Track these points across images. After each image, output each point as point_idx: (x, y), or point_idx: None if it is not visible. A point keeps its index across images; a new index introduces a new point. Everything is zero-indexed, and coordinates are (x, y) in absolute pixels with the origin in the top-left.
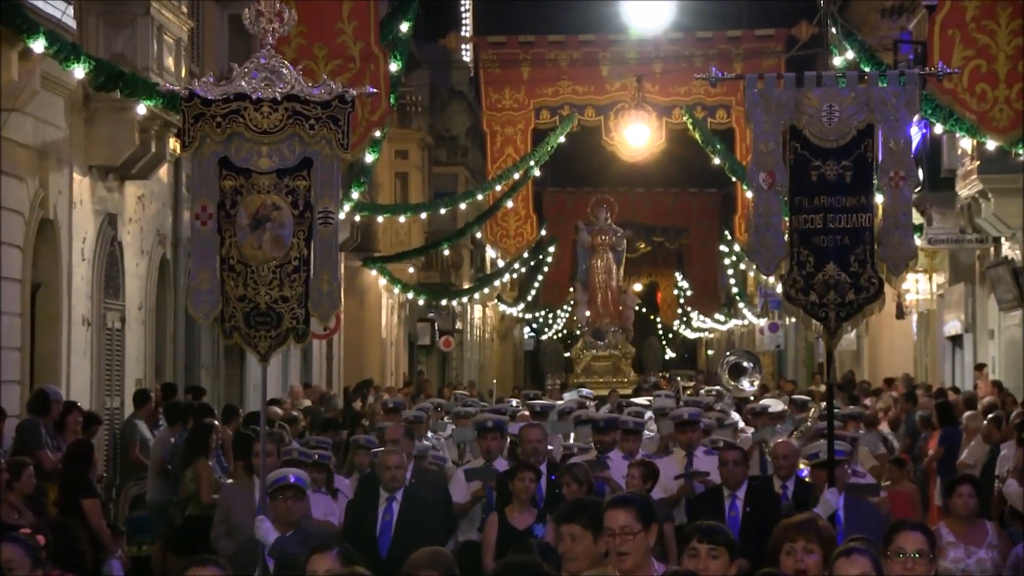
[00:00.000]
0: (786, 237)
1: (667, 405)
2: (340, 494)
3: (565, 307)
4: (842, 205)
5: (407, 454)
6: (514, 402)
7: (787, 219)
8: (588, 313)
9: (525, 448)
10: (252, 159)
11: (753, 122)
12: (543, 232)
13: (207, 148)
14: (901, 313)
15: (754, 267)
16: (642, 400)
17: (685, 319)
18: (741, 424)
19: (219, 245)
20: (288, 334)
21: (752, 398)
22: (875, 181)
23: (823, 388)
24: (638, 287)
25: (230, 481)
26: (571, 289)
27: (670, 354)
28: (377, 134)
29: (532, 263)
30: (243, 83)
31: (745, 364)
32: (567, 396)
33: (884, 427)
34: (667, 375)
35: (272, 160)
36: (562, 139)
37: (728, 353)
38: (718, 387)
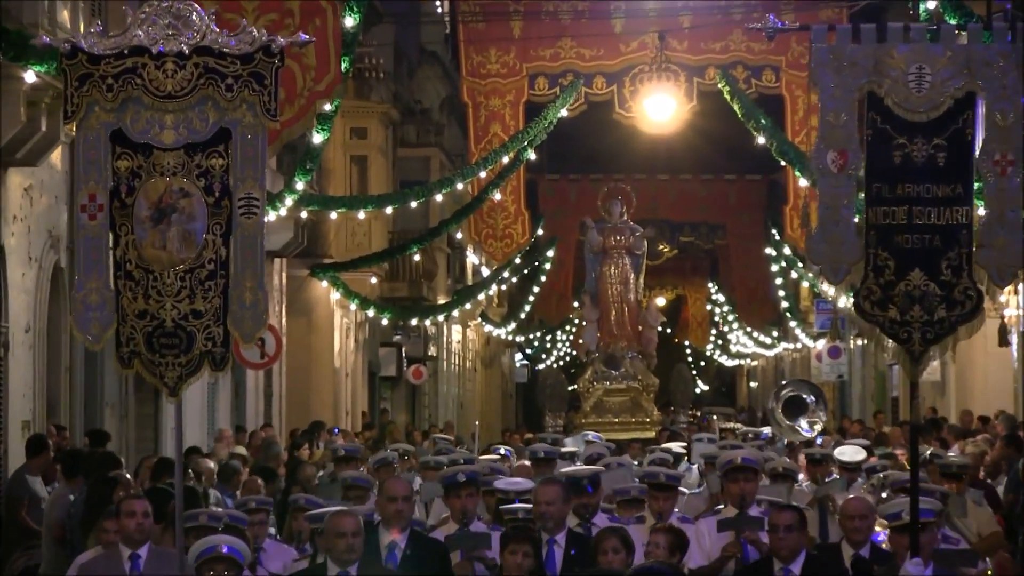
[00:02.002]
0: (859, 236)
1: (714, 452)
2: None
3: (568, 327)
4: (932, 195)
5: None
6: (503, 450)
7: (860, 212)
8: (599, 334)
9: (535, 510)
10: (153, 131)
11: (821, 87)
12: (539, 232)
13: (95, 119)
14: (1005, 338)
15: (809, 275)
16: (672, 446)
17: (720, 342)
18: (801, 476)
19: (112, 245)
20: (203, 360)
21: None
22: (975, 166)
23: (889, 430)
24: (661, 301)
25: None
26: (576, 304)
27: (702, 387)
28: (327, 107)
29: (525, 271)
30: (140, 33)
31: (806, 398)
32: (569, 442)
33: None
34: (699, 413)
35: (179, 133)
36: (564, 112)
37: (783, 384)
38: (767, 428)
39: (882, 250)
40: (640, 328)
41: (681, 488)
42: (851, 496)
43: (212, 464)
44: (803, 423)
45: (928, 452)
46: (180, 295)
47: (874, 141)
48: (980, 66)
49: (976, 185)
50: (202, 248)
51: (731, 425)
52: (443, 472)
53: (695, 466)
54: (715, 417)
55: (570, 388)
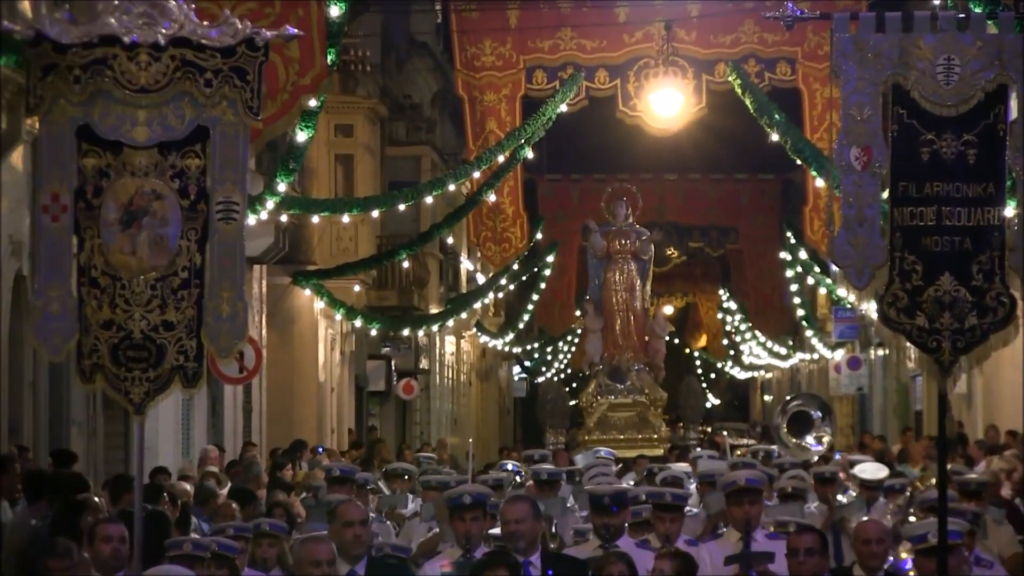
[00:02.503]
0: (885, 238)
1: (717, 470)
2: None
3: (570, 338)
4: (963, 195)
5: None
6: (510, 465)
7: (886, 212)
8: (603, 345)
9: (503, 530)
10: (124, 128)
11: (843, 79)
12: (539, 235)
13: (60, 113)
14: None
15: (827, 280)
16: (680, 466)
17: (732, 352)
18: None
19: (76, 249)
20: (173, 375)
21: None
22: (1008, 163)
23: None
24: (669, 310)
25: None
26: (578, 313)
27: (713, 401)
28: (312, 103)
29: (524, 278)
30: (112, 20)
31: (812, 413)
32: (579, 459)
33: (1005, 492)
34: (710, 429)
35: (152, 130)
36: (564, 107)
37: (788, 398)
38: (773, 446)
39: (909, 253)
40: (647, 338)
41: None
42: (865, 518)
43: (188, 487)
44: (810, 439)
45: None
46: (150, 305)
47: (900, 137)
48: (1012, 57)
49: (1008, 183)
50: (175, 255)
51: (742, 442)
52: (448, 493)
53: (693, 485)
54: (725, 433)
55: (572, 403)
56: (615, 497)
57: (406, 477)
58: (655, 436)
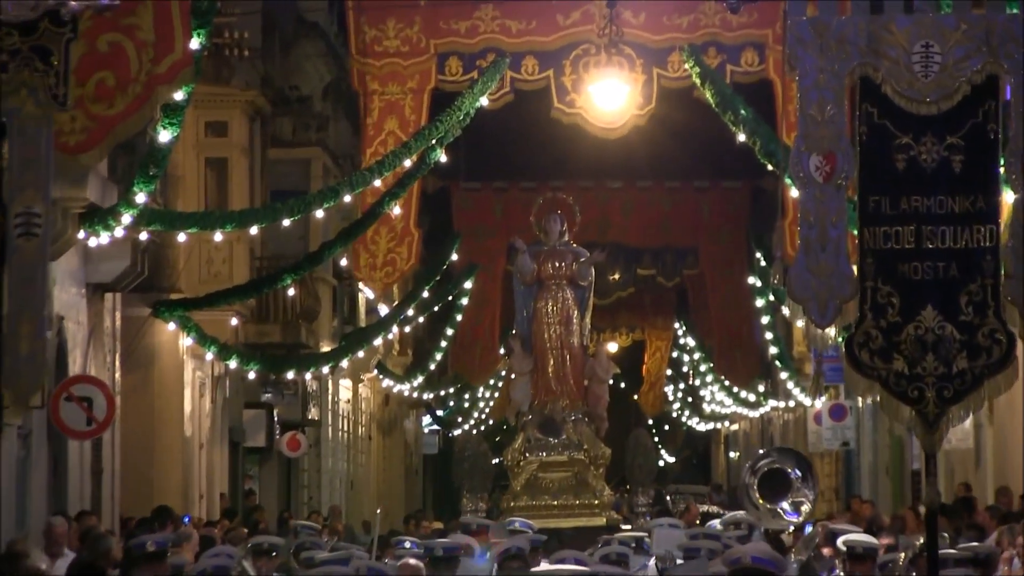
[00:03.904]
0: (854, 264)
1: (677, 542)
2: None
3: (494, 381)
4: (947, 211)
5: None
6: (408, 543)
7: (855, 232)
8: (532, 391)
9: None
10: None
11: (800, 71)
12: (454, 256)
13: None
14: None
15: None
16: (636, 535)
17: (691, 399)
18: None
19: None
20: None
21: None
22: (1002, 171)
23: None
24: (613, 347)
25: None
26: (502, 351)
27: (667, 458)
28: (178, 96)
29: (437, 307)
30: None
31: (789, 472)
32: (492, 536)
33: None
34: (662, 493)
35: None
36: (484, 101)
37: (761, 453)
38: (741, 513)
39: (883, 283)
40: (586, 382)
41: None
42: None
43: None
44: (786, 505)
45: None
46: None
47: (870, 141)
48: (1003, 41)
49: (1005, 195)
50: None
51: (708, 508)
52: (315, 572)
53: (651, 561)
54: (692, 498)
55: (495, 461)
56: None
57: (273, 554)
58: (596, 502)
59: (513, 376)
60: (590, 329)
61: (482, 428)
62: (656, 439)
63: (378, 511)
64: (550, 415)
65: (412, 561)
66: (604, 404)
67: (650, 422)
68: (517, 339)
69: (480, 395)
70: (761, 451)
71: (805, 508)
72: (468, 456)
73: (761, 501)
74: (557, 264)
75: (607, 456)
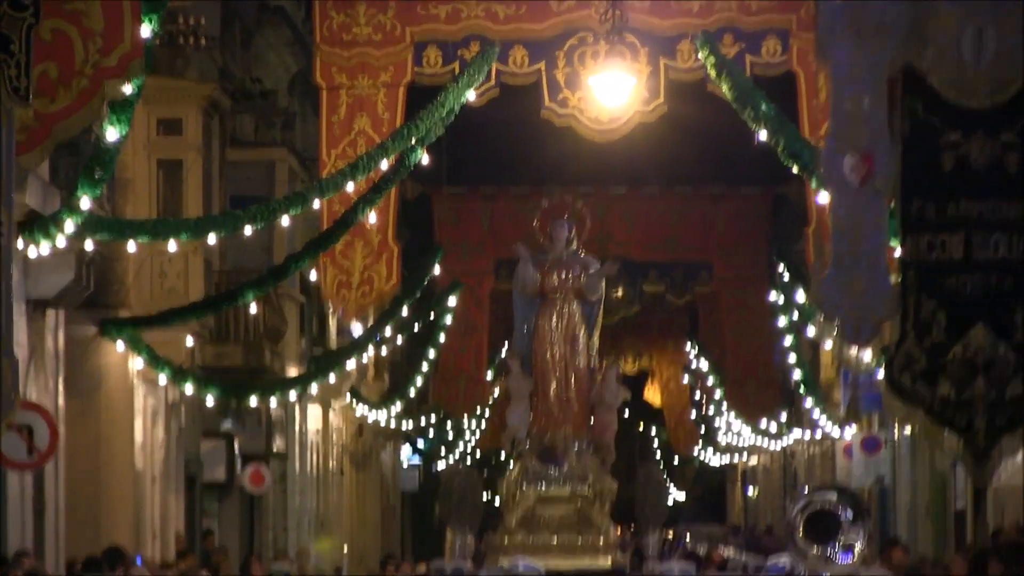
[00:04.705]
0: (894, 277)
1: None
2: None
3: (481, 410)
4: (1000, 217)
5: None
6: None
7: (895, 243)
8: (531, 416)
9: None
10: None
11: (833, 62)
12: (436, 270)
13: None
14: None
15: (833, 332)
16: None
17: (703, 429)
18: None
19: None
20: None
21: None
22: None
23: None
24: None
25: None
26: (490, 378)
27: (676, 495)
28: (127, 89)
29: (416, 327)
30: None
31: (839, 514)
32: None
33: None
34: (678, 533)
35: None
36: (471, 96)
37: (805, 491)
38: (783, 559)
39: (927, 297)
40: (593, 408)
41: None
42: None
43: None
44: (835, 550)
45: None
46: None
47: (913, 138)
48: None
49: None
50: None
51: (727, 553)
52: None
53: None
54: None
55: (486, 496)
56: None
57: None
58: (600, 541)
59: (510, 399)
60: (597, 348)
61: (467, 462)
62: (666, 474)
63: (344, 550)
64: (551, 443)
65: None
66: (612, 433)
67: (659, 455)
68: (515, 357)
69: (466, 424)
70: (805, 489)
71: (858, 548)
72: (457, 487)
73: (809, 544)
74: (563, 275)
75: (614, 491)
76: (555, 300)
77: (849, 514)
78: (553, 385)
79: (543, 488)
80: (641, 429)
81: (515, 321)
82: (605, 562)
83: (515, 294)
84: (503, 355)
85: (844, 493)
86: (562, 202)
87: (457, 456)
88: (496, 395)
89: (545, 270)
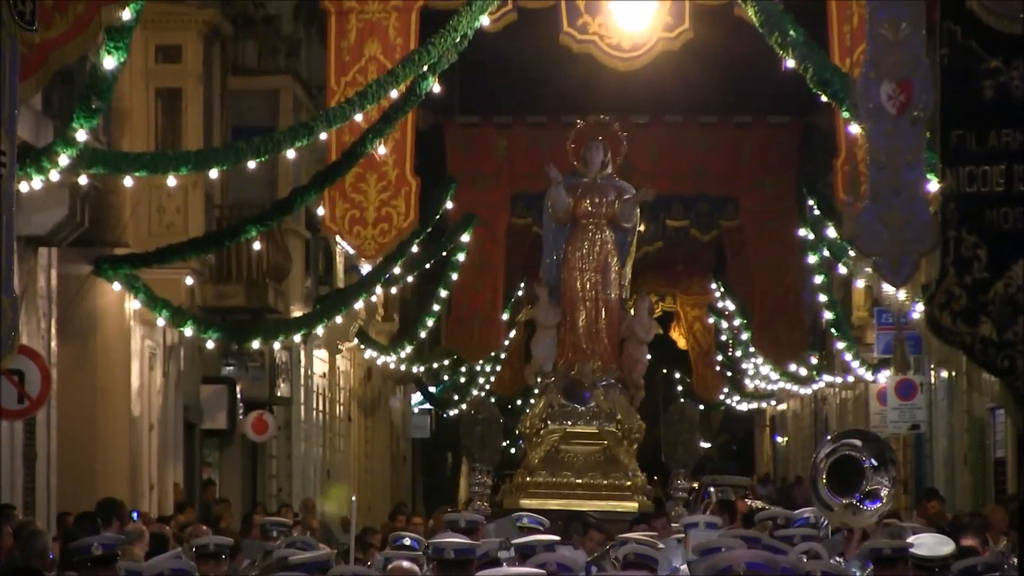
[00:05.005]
0: (933, 210)
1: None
2: None
3: (496, 354)
4: None
5: None
6: (407, 540)
7: (934, 177)
8: (558, 348)
9: None
10: None
11: None
12: (448, 204)
13: None
14: None
15: (865, 269)
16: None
17: (730, 374)
18: None
19: None
20: None
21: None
22: None
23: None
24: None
25: None
26: (507, 317)
27: (702, 444)
28: (125, 15)
29: (428, 265)
30: None
31: (861, 460)
32: (491, 529)
33: None
34: (696, 486)
35: None
36: (484, 21)
37: (828, 438)
38: (808, 510)
39: (968, 232)
40: (624, 342)
41: None
42: None
43: None
44: (860, 497)
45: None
46: None
47: (953, 65)
48: None
49: None
50: None
51: (753, 504)
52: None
53: (683, 567)
54: (713, 491)
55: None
56: None
57: (223, 557)
58: (627, 483)
59: (537, 327)
60: (629, 280)
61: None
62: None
63: (352, 499)
64: (578, 378)
65: (406, 565)
66: (642, 369)
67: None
68: (543, 286)
69: (480, 368)
70: (828, 436)
71: (887, 495)
72: (480, 420)
73: (830, 495)
74: (597, 200)
75: (642, 430)
76: (587, 227)
77: (871, 461)
78: (582, 316)
79: (568, 425)
80: (665, 371)
81: (544, 247)
82: (632, 506)
83: (544, 219)
84: (519, 293)
85: (867, 439)
86: (598, 124)
87: (471, 400)
88: (512, 337)
89: (577, 195)
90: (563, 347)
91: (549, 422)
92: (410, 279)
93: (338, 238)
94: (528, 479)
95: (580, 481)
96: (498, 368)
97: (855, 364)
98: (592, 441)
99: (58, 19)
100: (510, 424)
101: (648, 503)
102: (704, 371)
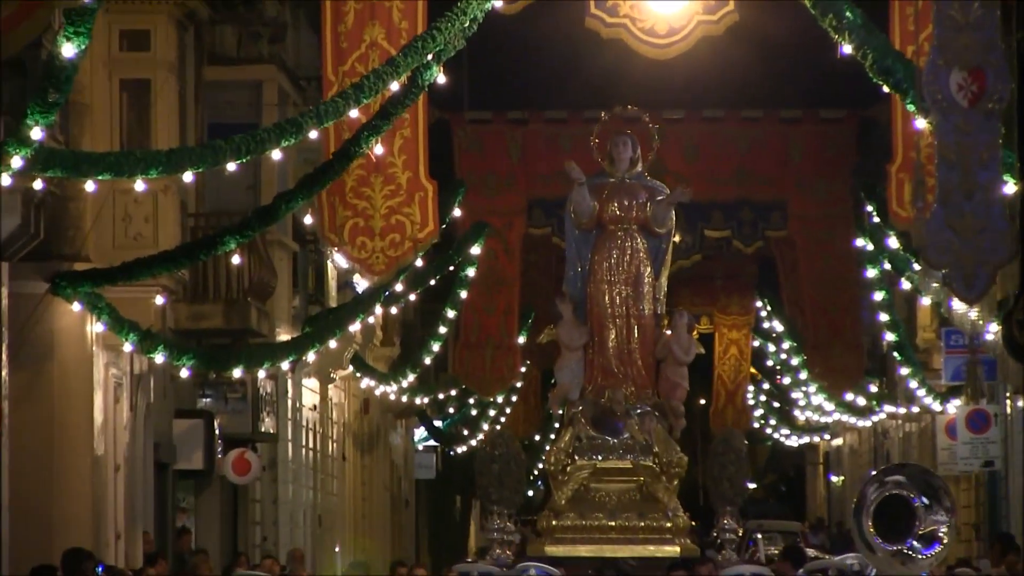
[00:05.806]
0: (1010, 216)
1: None
2: None
3: (510, 386)
4: None
5: None
6: None
7: (1011, 179)
8: (585, 372)
9: None
10: None
11: None
12: (456, 211)
13: None
14: None
15: (932, 284)
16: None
17: (778, 404)
18: None
19: None
20: None
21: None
22: None
23: None
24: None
25: None
26: (521, 340)
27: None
28: None
29: (434, 281)
30: None
31: (910, 499)
32: None
33: None
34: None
35: None
36: (497, 3)
37: (872, 475)
38: (854, 557)
39: None
40: (660, 363)
41: None
42: None
43: None
44: (913, 543)
45: None
46: None
47: None
48: None
49: None
50: None
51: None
52: None
53: None
54: (759, 537)
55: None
56: None
57: None
58: (668, 524)
59: (562, 349)
60: (665, 293)
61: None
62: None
63: (336, 549)
64: (608, 406)
65: None
66: (682, 394)
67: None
68: (567, 302)
69: (492, 399)
70: (872, 472)
71: (945, 535)
72: (499, 457)
73: (874, 536)
74: (626, 203)
75: (683, 464)
76: (615, 233)
77: (923, 500)
78: (612, 335)
79: (599, 460)
80: (703, 403)
81: (567, 258)
82: (673, 550)
83: (567, 227)
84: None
85: (911, 474)
86: (624, 115)
87: (482, 438)
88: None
89: (604, 197)
90: (591, 371)
91: (577, 457)
92: (412, 297)
93: (335, 251)
94: (554, 523)
95: (613, 524)
96: (513, 399)
97: (921, 392)
98: (626, 478)
99: (5, 2)
100: (528, 463)
101: (693, 547)
102: (726, 405)
